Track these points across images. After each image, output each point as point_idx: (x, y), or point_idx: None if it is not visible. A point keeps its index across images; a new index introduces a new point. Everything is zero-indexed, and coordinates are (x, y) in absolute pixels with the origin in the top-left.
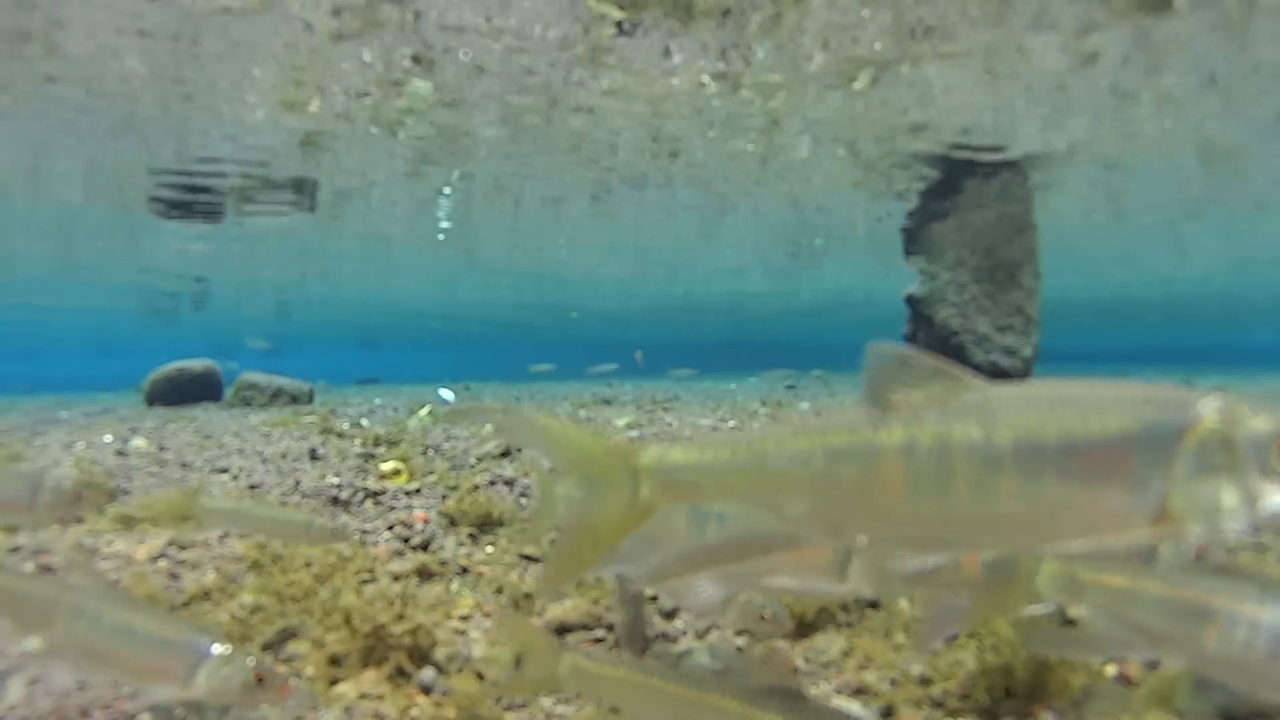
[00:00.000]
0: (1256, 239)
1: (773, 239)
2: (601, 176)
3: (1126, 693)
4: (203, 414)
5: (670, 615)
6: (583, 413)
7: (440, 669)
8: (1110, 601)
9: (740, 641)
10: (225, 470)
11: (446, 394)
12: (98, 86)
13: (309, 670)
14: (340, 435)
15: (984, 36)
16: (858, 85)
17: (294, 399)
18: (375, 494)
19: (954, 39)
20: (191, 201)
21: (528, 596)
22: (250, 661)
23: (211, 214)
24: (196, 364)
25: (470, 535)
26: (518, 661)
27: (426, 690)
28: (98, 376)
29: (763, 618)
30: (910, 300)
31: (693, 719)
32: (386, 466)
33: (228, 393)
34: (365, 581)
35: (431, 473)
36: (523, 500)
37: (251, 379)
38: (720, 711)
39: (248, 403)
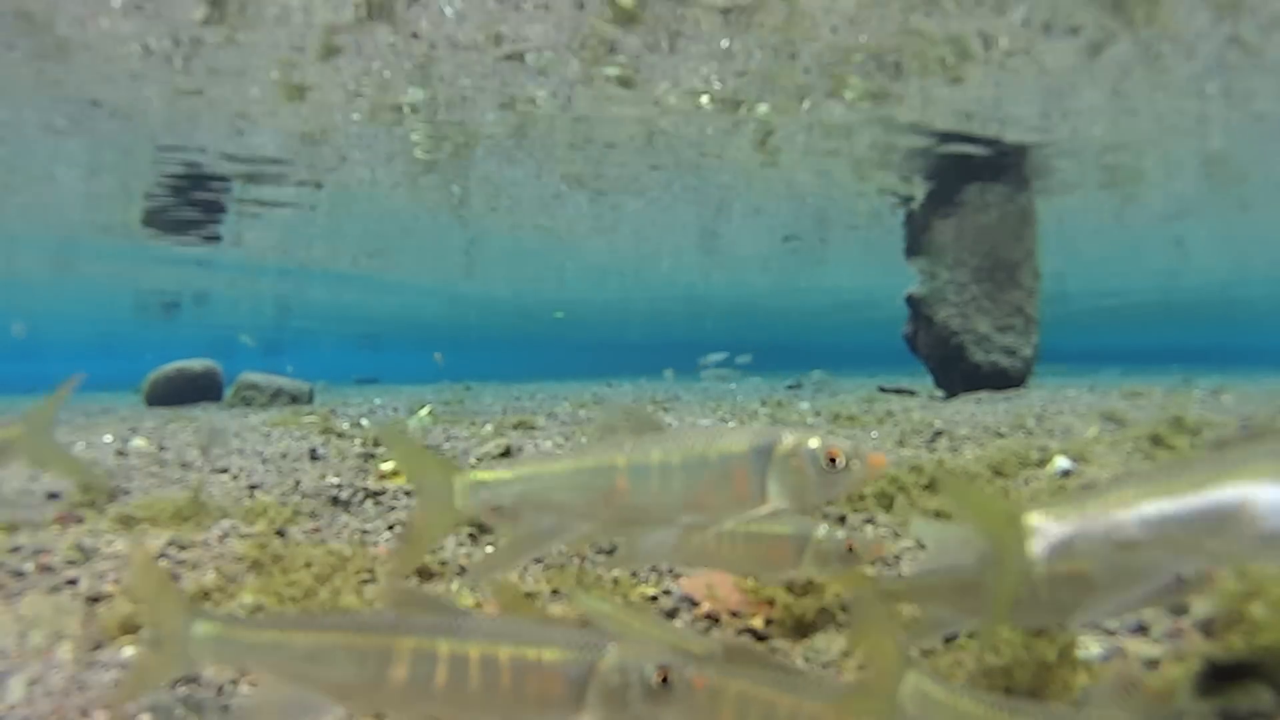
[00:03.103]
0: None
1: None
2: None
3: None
4: (202, 414)
5: (671, 615)
6: (582, 413)
7: None
8: None
9: (745, 640)
10: (225, 470)
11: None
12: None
13: None
14: (340, 435)
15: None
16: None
17: (294, 399)
18: (375, 494)
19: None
20: (188, 219)
21: (528, 596)
22: None
23: (208, 233)
24: (196, 364)
25: (470, 535)
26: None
27: None
28: (98, 376)
29: None
30: (910, 300)
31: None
32: (387, 466)
33: (227, 393)
34: (365, 581)
35: None
36: None
37: (251, 379)
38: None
39: (248, 403)
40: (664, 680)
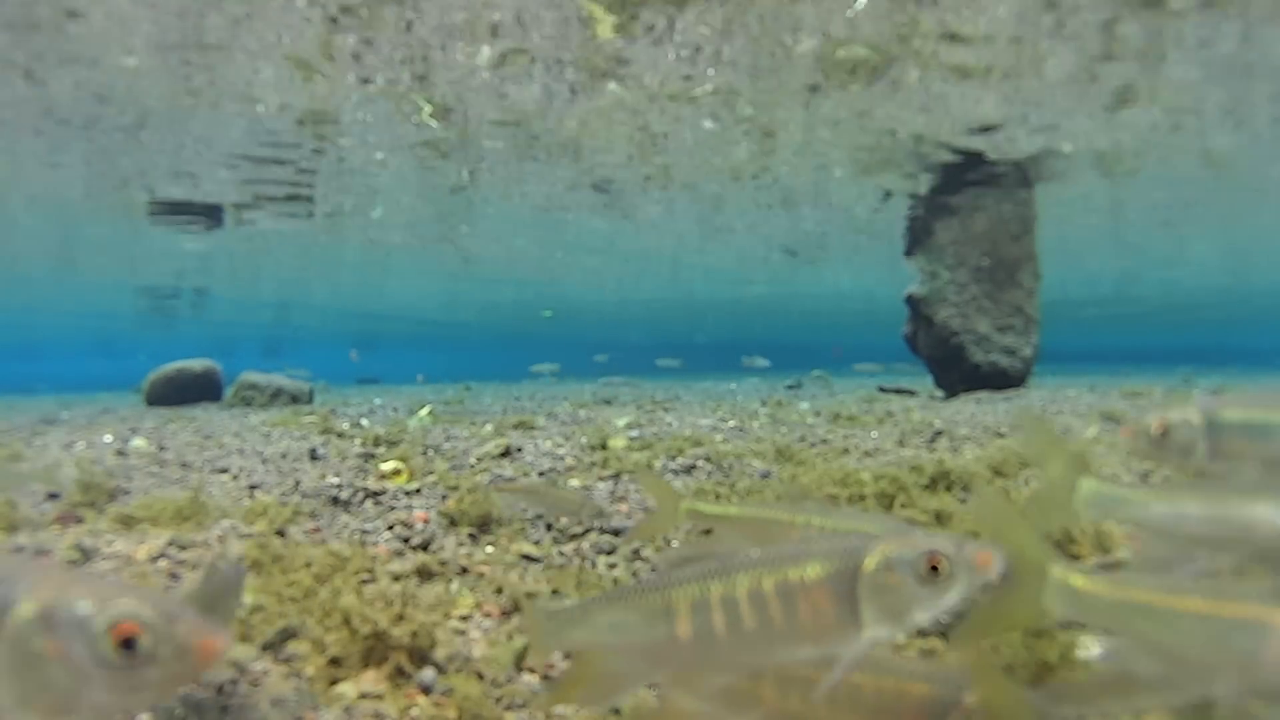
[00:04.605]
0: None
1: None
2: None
3: None
4: (202, 414)
5: None
6: (583, 413)
7: (440, 669)
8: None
9: None
10: (225, 470)
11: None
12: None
13: (309, 670)
14: (340, 435)
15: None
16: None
17: (294, 399)
18: (375, 494)
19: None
20: (190, 204)
21: (529, 595)
22: None
23: (211, 217)
24: (196, 364)
25: (470, 535)
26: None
27: (426, 690)
28: (98, 376)
29: None
30: (910, 300)
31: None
32: (386, 466)
33: (227, 393)
34: (365, 582)
35: (431, 473)
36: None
37: (251, 379)
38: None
39: (248, 403)
40: (934, 568)
